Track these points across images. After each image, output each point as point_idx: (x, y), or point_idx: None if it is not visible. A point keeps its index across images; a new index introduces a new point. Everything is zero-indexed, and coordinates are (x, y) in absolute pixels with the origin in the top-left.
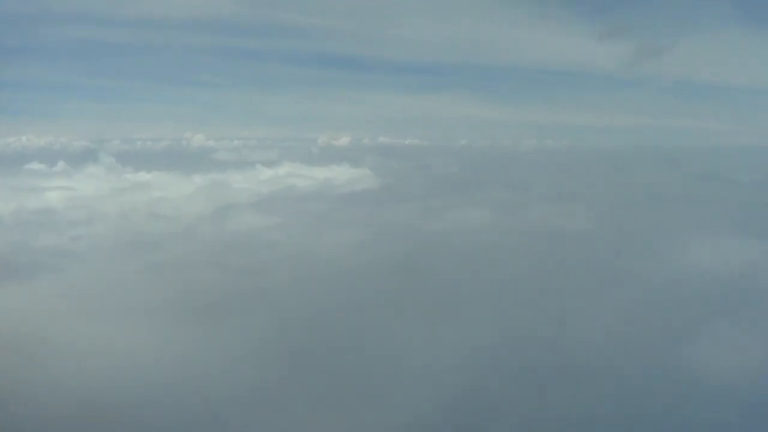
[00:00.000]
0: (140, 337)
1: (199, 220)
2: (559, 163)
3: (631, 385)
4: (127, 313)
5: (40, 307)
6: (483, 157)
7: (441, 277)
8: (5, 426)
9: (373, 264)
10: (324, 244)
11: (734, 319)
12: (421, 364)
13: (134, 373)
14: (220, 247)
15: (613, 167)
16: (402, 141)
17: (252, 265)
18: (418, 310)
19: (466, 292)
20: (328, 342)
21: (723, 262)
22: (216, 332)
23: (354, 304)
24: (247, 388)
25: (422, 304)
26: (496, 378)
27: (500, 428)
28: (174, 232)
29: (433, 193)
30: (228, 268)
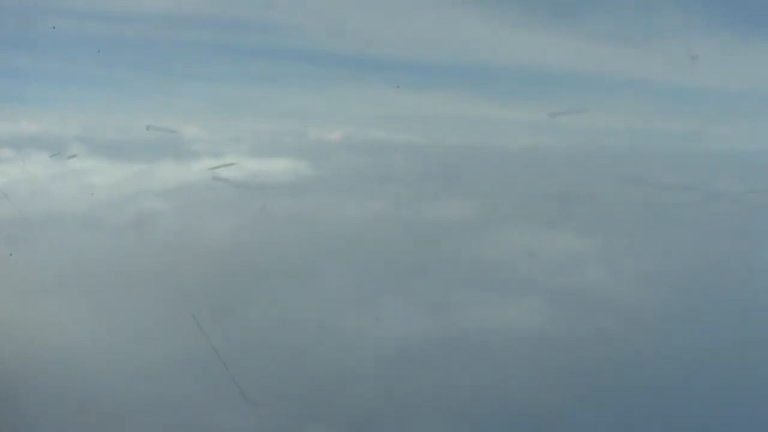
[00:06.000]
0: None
1: (103, 206)
2: (530, 163)
3: None
4: None
5: None
6: (467, 155)
7: (277, 263)
8: None
9: (236, 248)
10: (202, 230)
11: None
12: None
13: None
14: (107, 231)
15: (562, 168)
16: (397, 137)
17: (128, 248)
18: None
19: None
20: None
21: (519, 251)
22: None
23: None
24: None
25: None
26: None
27: None
28: (68, 215)
29: (352, 188)
30: (105, 249)
